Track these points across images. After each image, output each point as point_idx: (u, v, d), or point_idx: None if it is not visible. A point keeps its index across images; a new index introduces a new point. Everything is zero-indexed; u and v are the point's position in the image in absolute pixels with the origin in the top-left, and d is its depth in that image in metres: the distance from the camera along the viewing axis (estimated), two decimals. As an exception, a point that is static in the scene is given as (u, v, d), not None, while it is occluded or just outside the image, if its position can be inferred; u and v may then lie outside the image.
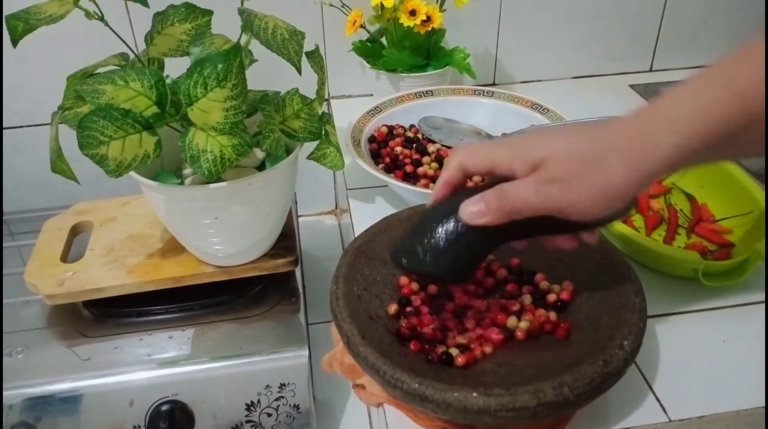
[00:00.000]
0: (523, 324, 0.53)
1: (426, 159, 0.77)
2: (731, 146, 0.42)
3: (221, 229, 0.63)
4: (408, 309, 0.55)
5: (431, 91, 0.87)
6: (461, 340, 0.52)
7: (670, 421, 0.51)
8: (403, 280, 0.58)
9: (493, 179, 0.47)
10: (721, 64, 0.41)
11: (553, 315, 0.54)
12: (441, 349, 0.51)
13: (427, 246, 0.47)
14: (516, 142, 0.46)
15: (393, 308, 0.55)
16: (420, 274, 0.53)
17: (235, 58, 0.53)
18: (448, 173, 0.48)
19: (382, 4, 0.86)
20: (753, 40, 0.41)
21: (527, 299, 0.56)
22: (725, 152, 0.43)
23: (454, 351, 0.51)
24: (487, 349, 0.52)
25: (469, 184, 0.54)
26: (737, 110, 0.39)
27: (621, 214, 0.48)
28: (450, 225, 0.47)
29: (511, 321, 0.54)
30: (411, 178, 0.75)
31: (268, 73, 0.70)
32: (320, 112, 0.65)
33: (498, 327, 0.54)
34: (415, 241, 0.48)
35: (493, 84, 1.06)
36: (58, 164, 0.62)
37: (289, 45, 0.58)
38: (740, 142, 0.41)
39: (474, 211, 0.45)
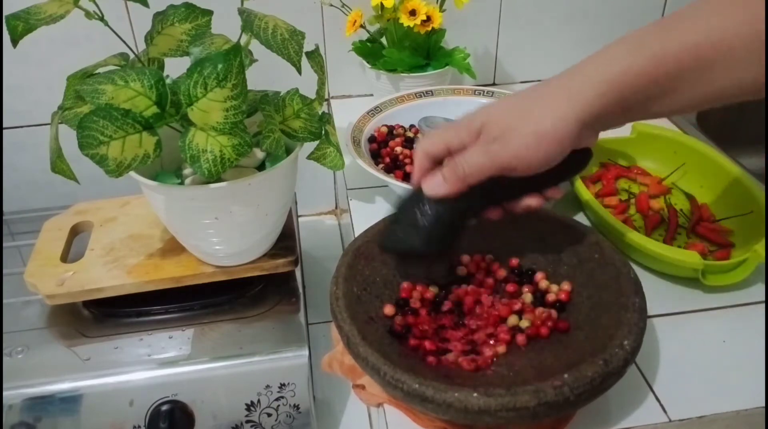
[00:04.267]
0: (525, 323, 0.53)
1: (426, 159, 0.77)
2: (658, 102, 0.46)
3: (221, 229, 0.63)
4: (406, 308, 0.55)
5: (431, 91, 0.87)
6: (467, 346, 0.53)
7: (670, 421, 0.51)
8: (406, 285, 0.58)
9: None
10: (634, 33, 0.46)
11: (554, 313, 0.54)
12: (446, 359, 0.51)
13: (403, 225, 0.53)
14: (462, 118, 0.50)
15: (389, 309, 0.55)
16: (401, 253, 0.56)
17: (235, 58, 0.53)
18: (417, 162, 0.52)
19: (382, 4, 0.86)
20: (668, 15, 0.45)
21: (528, 298, 0.56)
22: (654, 107, 0.47)
23: (430, 345, 0.52)
24: (500, 349, 0.52)
25: None
26: (647, 67, 0.44)
27: (573, 169, 0.52)
28: (419, 203, 0.51)
29: (513, 319, 0.54)
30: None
31: (268, 73, 0.70)
32: (320, 112, 0.65)
33: (505, 325, 0.54)
34: (393, 223, 0.54)
35: (493, 84, 1.06)
36: (58, 164, 0.62)
37: (289, 45, 0.58)
38: (667, 100, 0.45)
39: (432, 183, 0.50)
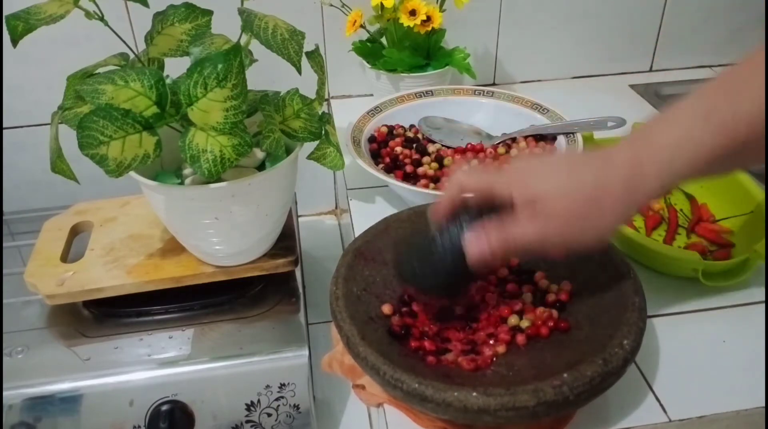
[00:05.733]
0: (525, 322, 0.53)
1: (426, 159, 0.77)
2: (719, 169, 0.45)
3: (221, 229, 0.63)
4: (404, 309, 0.55)
5: (431, 91, 0.87)
6: (467, 346, 0.53)
7: (670, 421, 0.51)
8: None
9: (486, 203, 0.48)
10: (702, 94, 0.44)
11: (554, 313, 0.54)
12: (446, 359, 0.51)
13: (422, 261, 0.52)
14: (516, 170, 0.48)
15: (387, 308, 0.55)
16: (414, 288, 0.55)
17: (235, 58, 0.53)
18: (448, 192, 0.50)
19: (382, 4, 0.86)
20: (733, 66, 0.44)
21: (528, 298, 0.56)
22: (713, 173, 0.46)
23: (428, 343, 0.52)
24: (500, 349, 0.52)
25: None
26: (719, 142, 0.42)
27: None
28: (440, 238, 0.50)
29: (513, 319, 0.54)
30: (411, 178, 0.75)
31: (268, 73, 0.70)
32: (320, 112, 0.65)
33: (505, 325, 0.54)
34: (412, 258, 0.53)
35: (493, 84, 1.06)
36: (58, 164, 0.62)
37: (289, 45, 0.58)
38: (727, 166, 0.45)
39: (476, 246, 0.47)
